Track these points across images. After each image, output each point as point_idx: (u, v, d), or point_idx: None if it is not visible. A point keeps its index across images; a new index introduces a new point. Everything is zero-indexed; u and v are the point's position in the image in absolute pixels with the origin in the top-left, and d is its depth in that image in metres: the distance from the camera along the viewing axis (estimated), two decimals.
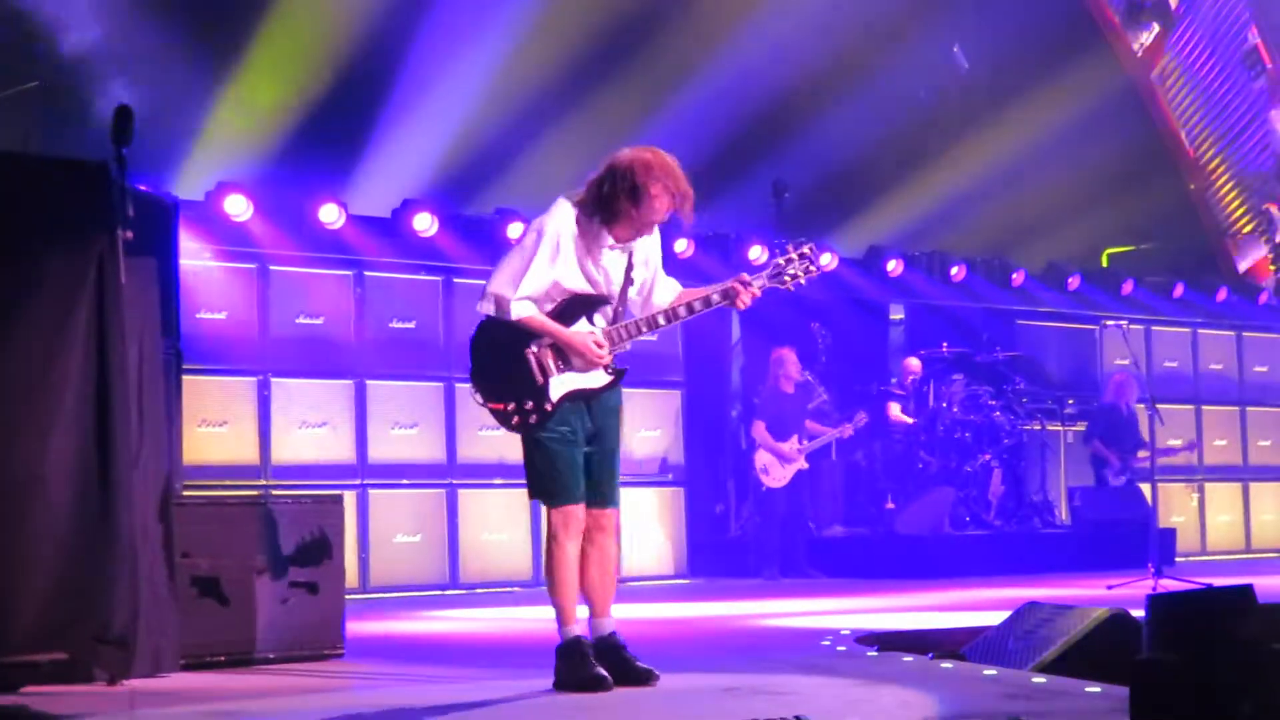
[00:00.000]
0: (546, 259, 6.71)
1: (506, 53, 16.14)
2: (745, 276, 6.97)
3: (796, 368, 15.51)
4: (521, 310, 6.69)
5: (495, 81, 16.04)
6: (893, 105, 19.18)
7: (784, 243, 7.23)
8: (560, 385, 6.75)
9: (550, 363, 6.73)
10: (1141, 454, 16.70)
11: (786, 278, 7.04)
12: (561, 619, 6.79)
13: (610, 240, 6.80)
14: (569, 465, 6.77)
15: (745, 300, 6.92)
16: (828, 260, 16.26)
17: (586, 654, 6.71)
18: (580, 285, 6.79)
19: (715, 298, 6.93)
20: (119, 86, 13.28)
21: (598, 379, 6.83)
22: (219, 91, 14.91)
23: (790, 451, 15.30)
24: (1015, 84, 20.17)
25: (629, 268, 6.90)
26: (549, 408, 6.72)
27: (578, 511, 6.81)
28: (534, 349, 6.72)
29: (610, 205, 6.73)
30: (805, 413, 15.65)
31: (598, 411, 6.87)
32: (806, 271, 7.05)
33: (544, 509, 6.93)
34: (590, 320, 6.83)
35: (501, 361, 6.76)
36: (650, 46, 17.03)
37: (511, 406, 6.74)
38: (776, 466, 15.33)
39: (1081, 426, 17.74)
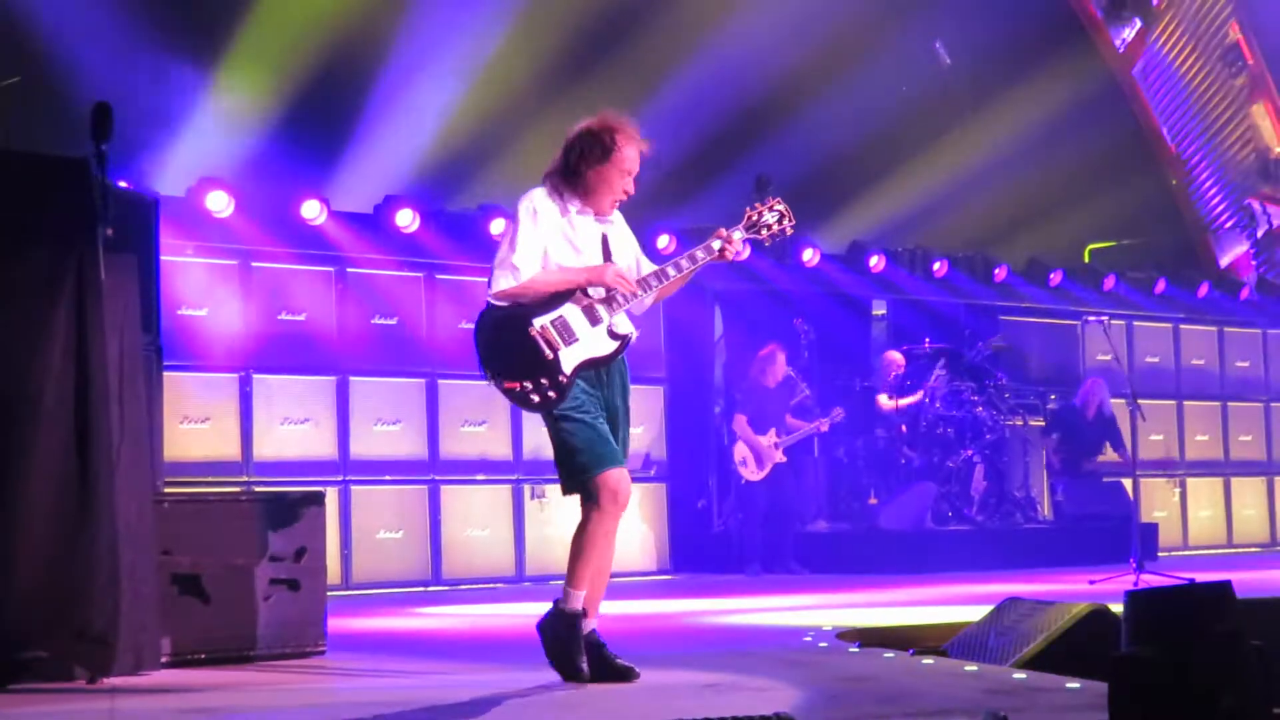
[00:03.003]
0: (530, 224, 6.80)
1: (488, 48, 16.14)
2: (723, 231, 7.08)
3: (783, 368, 15.55)
4: (530, 270, 6.75)
5: (477, 77, 16.03)
6: (875, 100, 19.19)
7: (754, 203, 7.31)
8: (571, 357, 6.76)
9: (556, 337, 6.75)
10: (1100, 458, 16.78)
11: (763, 230, 7.20)
12: (573, 583, 6.74)
13: (582, 208, 6.90)
14: (601, 434, 6.76)
15: (730, 253, 7.04)
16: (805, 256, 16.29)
17: (579, 638, 6.72)
18: (564, 256, 6.83)
19: (700, 254, 7.01)
20: (100, 82, 13.25)
21: (605, 345, 6.85)
22: (201, 87, 14.88)
23: (767, 445, 15.33)
24: (997, 79, 20.20)
25: (606, 249, 6.96)
26: (564, 380, 6.72)
27: (623, 475, 6.77)
28: (537, 327, 6.74)
29: (580, 171, 6.85)
30: (785, 408, 15.68)
31: (609, 384, 6.89)
32: (779, 222, 7.20)
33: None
34: (585, 293, 6.86)
35: (509, 342, 6.77)
36: (632, 41, 17.02)
37: (529, 385, 6.73)
38: (754, 460, 15.37)
39: None
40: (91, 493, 7.03)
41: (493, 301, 6.80)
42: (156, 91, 14.07)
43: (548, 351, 6.72)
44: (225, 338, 13.49)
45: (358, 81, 15.74)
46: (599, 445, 6.75)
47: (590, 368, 6.81)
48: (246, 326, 13.60)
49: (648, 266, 7.12)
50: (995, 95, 20.10)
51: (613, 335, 6.87)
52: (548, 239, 6.81)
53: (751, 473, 15.38)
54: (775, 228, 7.20)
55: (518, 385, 6.74)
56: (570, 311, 6.81)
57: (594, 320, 6.83)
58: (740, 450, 15.45)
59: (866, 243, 17.68)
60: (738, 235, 7.09)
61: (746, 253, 15.45)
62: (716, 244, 7.02)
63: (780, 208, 7.22)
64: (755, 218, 7.18)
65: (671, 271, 6.99)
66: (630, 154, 6.89)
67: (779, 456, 15.42)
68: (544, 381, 6.72)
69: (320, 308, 14.00)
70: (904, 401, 16.40)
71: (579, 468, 6.76)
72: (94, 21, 13.86)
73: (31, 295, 7.06)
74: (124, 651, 7.12)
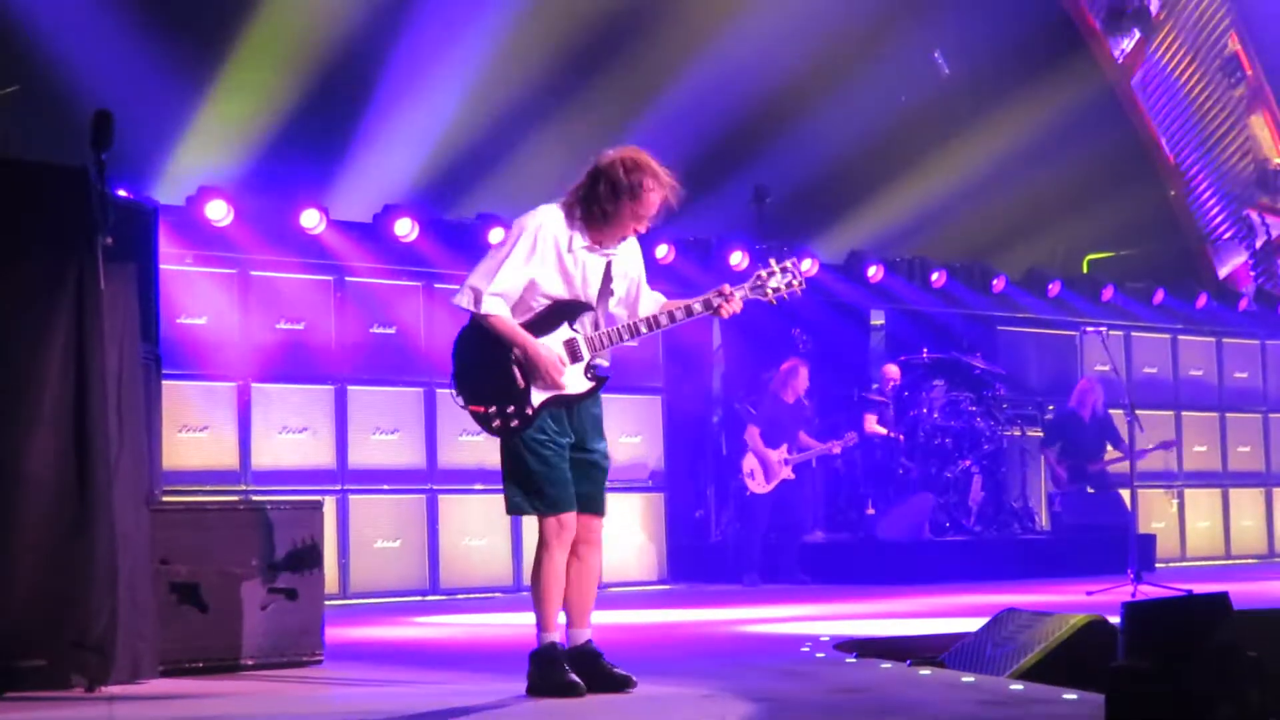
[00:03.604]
0: (523, 256, 6.73)
1: (487, 58, 16.15)
2: (727, 288, 6.98)
3: (804, 383, 15.55)
4: (492, 306, 6.70)
5: (476, 86, 16.05)
6: (873, 110, 19.21)
7: (765, 250, 7.26)
8: (541, 391, 6.75)
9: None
10: (1111, 456, 16.74)
11: (769, 290, 7.05)
12: (541, 625, 6.78)
13: (592, 243, 6.83)
14: (559, 472, 6.76)
15: (727, 311, 6.95)
16: (807, 265, 16.32)
17: (560, 660, 6.71)
18: (557, 288, 6.79)
19: (697, 307, 6.94)
20: (100, 90, 13.26)
21: (579, 385, 6.82)
22: (200, 96, 14.90)
23: (777, 460, 15.32)
24: (996, 89, 20.23)
25: (608, 277, 6.90)
26: (529, 412, 6.71)
27: (570, 520, 6.80)
28: (517, 353, 6.72)
29: (602, 206, 6.75)
30: (800, 424, 15.66)
31: (579, 419, 6.86)
32: (789, 285, 7.07)
33: (523, 519, 6.90)
34: (571, 327, 6.82)
35: (484, 364, 6.75)
36: (631, 52, 17.04)
37: (493, 410, 6.73)
38: (762, 473, 15.36)
39: None
40: (90, 501, 7.03)
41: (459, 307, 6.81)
42: (156, 100, 14.06)
43: (520, 380, 6.71)
44: (224, 346, 13.48)
45: (357, 91, 15.77)
46: (560, 487, 6.76)
47: (559, 405, 6.79)
48: (245, 335, 13.60)
49: (647, 292, 7.09)
50: (994, 105, 20.13)
51: (590, 375, 6.84)
52: (538, 269, 6.76)
53: (758, 485, 15.37)
54: (784, 291, 7.06)
55: (483, 409, 6.75)
56: (554, 343, 6.78)
57: (575, 356, 6.81)
58: (749, 461, 15.44)
59: (865, 252, 17.70)
60: (739, 295, 6.99)
61: (739, 258, 15.46)
62: (716, 300, 6.93)
63: (791, 270, 7.07)
64: (763, 279, 7.05)
65: (664, 321, 6.92)
66: (654, 199, 6.80)
67: (788, 473, 15.40)
68: (510, 410, 6.71)
69: (319, 317, 14.00)
70: (880, 430, 16.33)
71: (535, 504, 6.78)
72: (94, 30, 13.88)
73: (31, 303, 7.06)
74: (121, 659, 7.12)
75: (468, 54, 16.07)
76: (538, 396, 6.73)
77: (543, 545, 6.81)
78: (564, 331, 6.81)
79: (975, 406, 16.68)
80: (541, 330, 6.78)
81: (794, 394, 15.56)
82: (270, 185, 14.40)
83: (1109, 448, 16.95)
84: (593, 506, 6.91)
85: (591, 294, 6.86)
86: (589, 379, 6.83)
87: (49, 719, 6.45)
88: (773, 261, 7.15)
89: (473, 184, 16.15)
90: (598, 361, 6.85)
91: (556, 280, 6.79)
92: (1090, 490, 16.88)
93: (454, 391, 6.84)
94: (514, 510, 6.87)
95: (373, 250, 14.35)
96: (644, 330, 6.93)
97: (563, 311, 6.82)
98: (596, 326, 6.87)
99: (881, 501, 16.24)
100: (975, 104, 20.35)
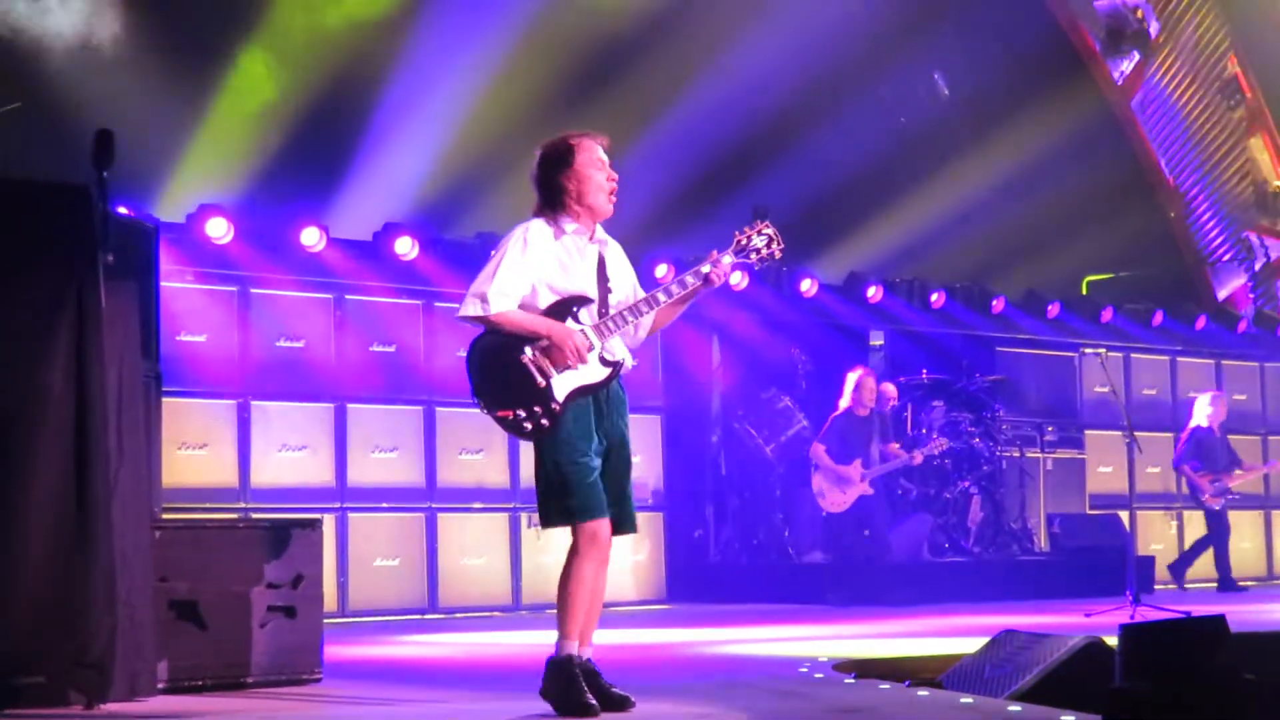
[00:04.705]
0: (518, 252, 6.80)
1: (488, 77, 16.17)
2: (714, 254, 7.06)
3: (872, 394, 15.48)
4: (500, 304, 6.74)
5: (477, 106, 16.07)
6: (873, 131, 19.23)
7: (762, 271, 7.31)
8: (563, 384, 6.76)
9: (548, 364, 6.75)
10: (1237, 473, 16.83)
11: (752, 254, 7.19)
12: (564, 632, 6.73)
13: (579, 227, 6.92)
14: (594, 480, 6.75)
15: (718, 277, 7.02)
16: (806, 285, 16.32)
17: (579, 677, 6.67)
18: (558, 279, 6.84)
19: (690, 279, 7.01)
20: (101, 107, 13.28)
21: (597, 372, 6.84)
22: (201, 114, 14.91)
23: (852, 474, 15.24)
24: (996, 111, 20.25)
25: (603, 274, 6.97)
26: (556, 408, 6.72)
27: (605, 528, 6.78)
28: (529, 354, 6.74)
29: (558, 186, 6.92)
30: (873, 437, 15.57)
31: (608, 412, 6.87)
32: (768, 247, 7.19)
33: (538, 531, 6.88)
34: (575, 320, 6.86)
35: (500, 371, 6.77)
36: (632, 71, 17.07)
37: (521, 413, 6.72)
38: (834, 490, 15.30)
39: (1061, 454, 17.90)
40: (89, 518, 7.03)
41: (461, 321, 6.85)
42: (157, 118, 14.07)
43: (540, 379, 6.72)
44: (224, 364, 13.49)
45: (357, 109, 15.79)
46: (591, 493, 6.73)
47: (583, 395, 6.80)
48: (245, 353, 13.61)
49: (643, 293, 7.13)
50: (994, 127, 20.15)
51: (605, 362, 6.87)
52: (537, 269, 6.81)
53: (831, 504, 15.32)
54: (764, 251, 7.19)
55: (510, 414, 6.74)
56: None
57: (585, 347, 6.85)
58: (817, 481, 15.40)
59: (864, 273, 17.71)
60: (726, 259, 7.09)
61: (739, 278, 15.42)
62: (705, 268, 7.01)
63: (769, 231, 7.22)
64: (744, 241, 7.19)
65: (662, 297, 6.98)
66: (589, 146, 7.00)
67: (865, 488, 15.30)
68: (537, 409, 6.72)
69: (319, 335, 14.01)
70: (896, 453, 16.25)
71: (567, 510, 6.74)
72: (95, 46, 13.90)
73: (32, 321, 7.06)
74: (120, 677, 7.12)
75: (468, 73, 16.09)
76: (561, 390, 6.74)
77: (574, 552, 6.77)
78: (569, 325, 6.84)
79: (974, 427, 16.69)
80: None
81: (866, 408, 15.50)
82: (270, 203, 14.41)
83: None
84: (621, 523, 6.90)
85: (589, 286, 6.91)
86: (605, 365, 6.86)
87: None
88: (745, 227, 7.25)
89: (472, 203, 16.16)
90: (611, 354, 6.88)
91: (555, 271, 6.84)
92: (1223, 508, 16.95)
93: (478, 405, 6.85)
94: (549, 524, 6.82)
95: (373, 268, 14.37)
96: (644, 309, 6.98)
97: (564, 307, 6.86)
98: (599, 316, 6.91)
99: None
100: (975, 125, 20.37)
